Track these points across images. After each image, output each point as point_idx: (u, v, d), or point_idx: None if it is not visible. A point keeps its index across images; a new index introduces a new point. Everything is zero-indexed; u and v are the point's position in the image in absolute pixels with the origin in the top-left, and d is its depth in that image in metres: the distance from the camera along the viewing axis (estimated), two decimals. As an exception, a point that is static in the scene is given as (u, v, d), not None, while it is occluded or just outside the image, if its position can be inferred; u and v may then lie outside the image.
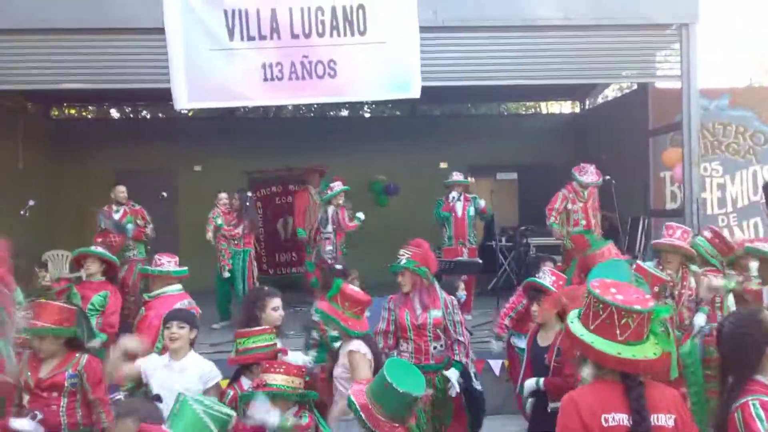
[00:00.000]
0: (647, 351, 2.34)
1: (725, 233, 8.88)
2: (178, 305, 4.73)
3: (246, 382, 3.78)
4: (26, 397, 3.93)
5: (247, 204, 8.69)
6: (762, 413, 2.33)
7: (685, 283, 5.09)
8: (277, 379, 3.40)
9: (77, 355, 3.98)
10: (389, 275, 8.32)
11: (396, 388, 2.79)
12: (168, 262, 5.00)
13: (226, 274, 8.40)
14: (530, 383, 4.12)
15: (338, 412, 3.74)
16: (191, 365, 3.92)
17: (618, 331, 2.33)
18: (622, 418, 2.32)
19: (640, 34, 7.70)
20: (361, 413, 2.78)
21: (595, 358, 2.38)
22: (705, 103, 8.52)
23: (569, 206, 8.04)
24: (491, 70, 7.77)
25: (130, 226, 8.10)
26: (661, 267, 5.10)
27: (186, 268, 5.17)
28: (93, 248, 5.74)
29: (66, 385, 3.88)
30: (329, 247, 8.57)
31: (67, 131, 12.44)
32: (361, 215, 8.70)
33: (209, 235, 8.46)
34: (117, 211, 8.25)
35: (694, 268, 5.22)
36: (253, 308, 4.27)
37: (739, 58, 28.80)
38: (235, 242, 8.50)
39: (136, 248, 8.28)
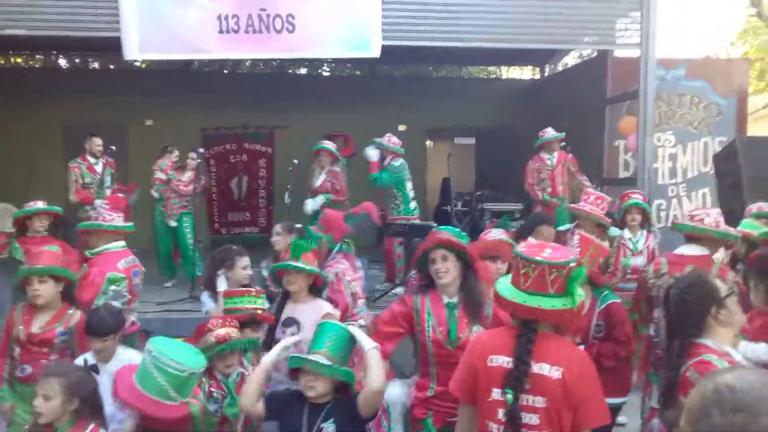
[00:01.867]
0: (546, 303, 2.41)
1: (674, 203, 9.15)
2: (122, 261, 4.62)
3: None
4: (17, 350, 3.91)
5: (200, 161, 8.51)
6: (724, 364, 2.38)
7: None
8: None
9: (70, 311, 3.97)
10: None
11: (169, 363, 2.82)
12: (112, 218, 4.84)
13: (173, 223, 8.22)
14: None
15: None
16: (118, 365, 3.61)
17: (521, 280, 2.47)
18: (505, 361, 2.45)
19: (601, 1, 7.69)
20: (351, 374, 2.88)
21: (496, 300, 2.59)
22: (662, 72, 8.59)
23: (538, 176, 8.12)
24: (453, 32, 7.66)
25: (109, 179, 7.93)
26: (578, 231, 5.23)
27: (131, 224, 5.01)
28: (30, 206, 5.51)
29: (55, 341, 3.87)
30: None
31: (13, 81, 11.91)
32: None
33: (154, 188, 8.27)
34: (96, 164, 7.97)
35: (613, 231, 5.39)
36: (221, 267, 4.22)
37: (697, 30, 29.21)
38: (186, 202, 8.32)
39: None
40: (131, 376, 2.89)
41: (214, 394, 3.45)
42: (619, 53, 9.10)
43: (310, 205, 7.83)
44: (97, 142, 8.04)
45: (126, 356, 3.70)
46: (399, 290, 7.31)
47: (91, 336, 3.65)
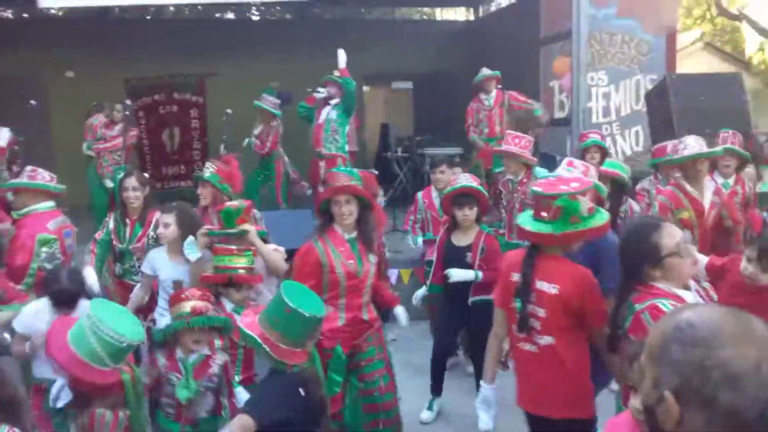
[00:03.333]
0: (536, 227, 2.91)
1: (608, 141, 9.33)
2: (51, 222, 4.40)
3: (228, 305, 3.61)
4: None
5: (127, 114, 8.19)
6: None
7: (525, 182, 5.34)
8: None
9: None
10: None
11: (301, 312, 2.68)
12: (43, 177, 4.60)
13: (110, 184, 7.92)
14: (467, 274, 4.38)
15: None
16: None
17: (534, 210, 3.00)
18: (517, 276, 2.97)
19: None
20: (263, 345, 2.65)
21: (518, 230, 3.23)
22: (593, 11, 8.61)
23: (479, 117, 8.09)
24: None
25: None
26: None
27: (64, 186, 4.78)
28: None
29: None
30: None
31: None
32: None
33: (84, 146, 7.96)
34: None
35: (538, 172, 5.43)
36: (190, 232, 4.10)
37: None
38: (117, 156, 8.02)
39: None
40: (65, 333, 2.76)
41: (170, 377, 3.18)
42: (551, -8, 9.07)
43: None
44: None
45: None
46: None
47: (57, 308, 3.42)
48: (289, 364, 2.65)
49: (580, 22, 7.78)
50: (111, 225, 4.61)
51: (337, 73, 7.71)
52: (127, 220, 4.59)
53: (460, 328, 4.78)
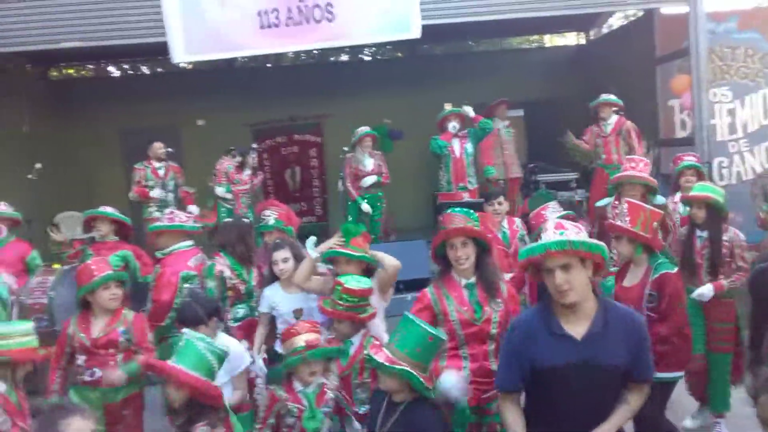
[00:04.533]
0: None
1: (735, 159, 8.87)
2: (192, 260, 4.79)
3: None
4: (82, 357, 4.06)
5: (254, 157, 8.76)
6: None
7: None
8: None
9: (124, 311, 4.14)
10: (397, 219, 8.29)
11: (440, 337, 2.92)
12: (180, 218, 5.03)
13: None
14: None
15: None
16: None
17: None
18: None
19: (644, -42, 7.48)
20: (417, 377, 2.81)
21: None
22: (712, 26, 8.30)
23: (596, 140, 8.02)
24: (492, 4, 7.59)
25: (171, 183, 8.33)
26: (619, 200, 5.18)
27: (200, 224, 5.22)
28: (101, 209, 5.75)
29: (120, 341, 4.04)
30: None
31: (68, 92, 12.32)
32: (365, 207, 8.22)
33: (220, 189, 8.46)
34: (160, 168, 8.26)
35: (657, 200, 5.28)
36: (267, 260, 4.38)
37: (747, -22, 27.95)
38: (249, 199, 8.57)
39: (172, 206, 8.16)
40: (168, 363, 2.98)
41: (290, 408, 3.26)
42: (665, 10, 8.83)
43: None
44: (158, 147, 8.31)
45: (220, 339, 3.83)
46: None
47: (182, 325, 3.77)
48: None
49: (698, 39, 7.53)
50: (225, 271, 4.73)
51: (470, 112, 8.13)
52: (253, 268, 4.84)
53: None
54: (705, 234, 4.54)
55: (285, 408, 3.27)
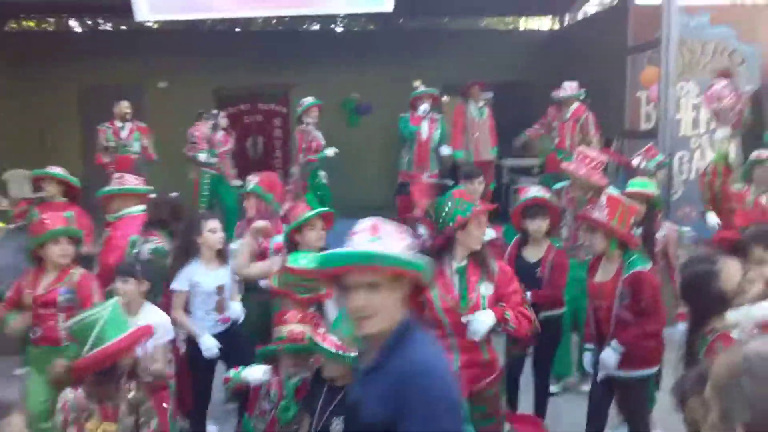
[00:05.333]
0: None
1: (696, 155, 8.96)
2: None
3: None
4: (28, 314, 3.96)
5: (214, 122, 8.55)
6: None
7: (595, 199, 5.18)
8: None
9: (72, 270, 4.00)
10: (361, 195, 8.28)
11: None
12: (130, 181, 4.87)
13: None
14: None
15: None
16: (145, 321, 3.65)
17: None
18: None
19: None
20: None
21: None
22: (685, 19, 8.30)
23: (552, 123, 8.06)
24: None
25: (136, 144, 8.03)
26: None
27: (151, 187, 5.05)
28: (49, 169, 5.54)
29: (59, 300, 3.91)
30: (293, 169, 8.38)
31: (26, 44, 11.85)
32: (330, 151, 8.10)
33: (203, 155, 8.23)
34: (122, 128, 7.99)
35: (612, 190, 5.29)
36: (190, 234, 4.18)
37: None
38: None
39: (140, 168, 8.00)
40: None
41: (271, 394, 3.20)
42: (641, 0, 8.82)
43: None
44: (125, 105, 8.07)
45: (153, 315, 3.75)
46: None
47: (117, 276, 3.74)
48: None
49: (670, 31, 7.52)
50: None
51: (420, 85, 8.13)
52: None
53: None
54: (639, 231, 4.36)
55: (265, 391, 3.22)
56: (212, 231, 4.14)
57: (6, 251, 5.25)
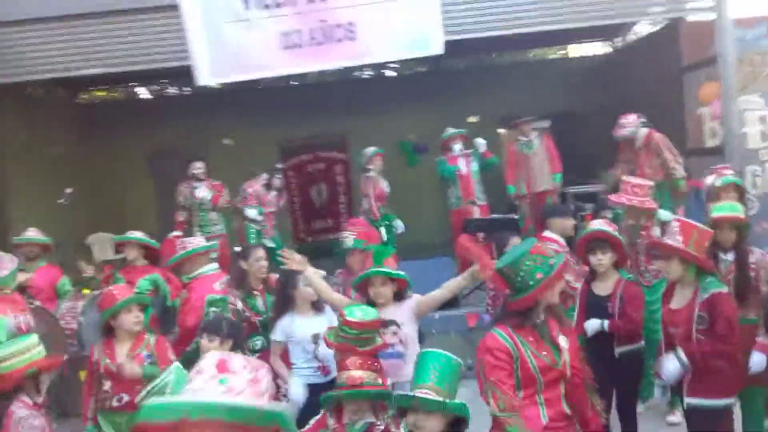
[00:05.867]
0: None
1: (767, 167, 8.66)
2: (218, 283, 4.82)
3: None
4: (108, 383, 4.09)
5: (279, 177, 8.84)
6: None
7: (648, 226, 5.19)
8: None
9: (146, 336, 4.16)
10: (420, 236, 8.31)
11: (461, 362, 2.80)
12: (192, 243, 5.09)
13: (272, 243, 8.42)
14: (594, 324, 4.20)
15: None
16: None
17: None
18: None
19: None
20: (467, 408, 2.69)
21: None
22: (740, 33, 8.14)
23: (629, 156, 7.75)
24: (515, 18, 7.56)
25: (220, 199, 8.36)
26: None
27: (215, 242, 5.27)
28: (129, 234, 5.82)
29: (145, 365, 4.05)
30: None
31: (96, 114, 12.54)
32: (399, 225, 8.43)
33: (252, 211, 8.47)
34: (197, 188, 8.30)
35: (662, 215, 5.29)
36: (286, 287, 4.37)
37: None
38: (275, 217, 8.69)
39: (220, 223, 8.37)
40: None
41: None
42: (692, 18, 8.69)
43: None
44: (197, 166, 8.34)
45: None
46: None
47: (203, 332, 3.88)
48: None
49: (726, 47, 7.41)
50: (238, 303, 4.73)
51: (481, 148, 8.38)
52: (255, 292, 4.84)
53: (611, 384, 4.23)
54: (730, 257, 4.20)
55: None
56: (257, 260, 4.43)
57: (93, 315, 5.49)
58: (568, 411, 3.15)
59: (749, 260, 4.19)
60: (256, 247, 4.82)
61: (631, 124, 7.64)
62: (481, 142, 8.32)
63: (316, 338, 4.23)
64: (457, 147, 8.23)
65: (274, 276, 4.75)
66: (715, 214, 4.27)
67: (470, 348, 6.61)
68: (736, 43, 7.61)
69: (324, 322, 4.27)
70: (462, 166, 8.19)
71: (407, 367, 3.81)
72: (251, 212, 8.49)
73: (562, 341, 3.11)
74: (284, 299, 4.37)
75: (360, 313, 3.40)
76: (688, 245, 3.62)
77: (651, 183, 5.44)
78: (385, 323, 3.93)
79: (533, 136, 8.89)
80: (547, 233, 5.26)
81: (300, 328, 4.30)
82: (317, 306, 4.36)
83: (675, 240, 3.67)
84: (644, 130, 7.67)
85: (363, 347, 3.31)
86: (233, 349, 3.97)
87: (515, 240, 5.66)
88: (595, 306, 4.26)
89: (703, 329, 3.60)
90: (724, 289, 3.69)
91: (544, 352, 3.05)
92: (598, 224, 4.54)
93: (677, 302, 3.76)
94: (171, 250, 5.39)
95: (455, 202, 8.28)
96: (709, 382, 3.56)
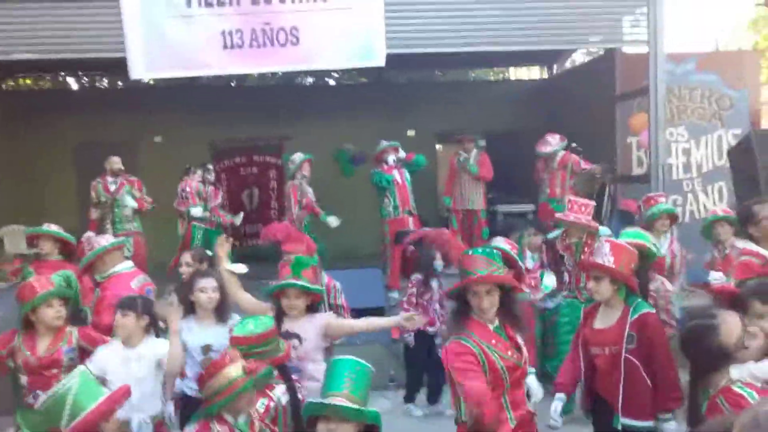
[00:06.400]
0: None
1: (689, 198, 9.04)
2: (134, 281, 4.64)
3: None
4: (24, 378, 3.92)
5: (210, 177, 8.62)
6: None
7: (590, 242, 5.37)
8: None
9: (68, 329, 3.99)
10: (351, 245, 8.23)
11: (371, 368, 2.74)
12: (99, 242, 4.87)
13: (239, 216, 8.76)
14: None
15: None
16: (147, 351, 3.80)
17: None
18: None
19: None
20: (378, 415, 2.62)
21: None
22: (671, 67, 8.50)
23: (542, 175, 8.41)
24: (458, 37, 7.63)
25: (128, 198, 8.01)
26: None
27: (122, 238, 5.10)
28: (45, 227, 5.54)
29: (63, 360, 3.90)
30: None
31: (22, 103, 11.99)
32: (333, 220, 8.43)
33: (197, 210, 8.24)
34: (113, 183, 8.02)
35: (603, 231, 5.51)
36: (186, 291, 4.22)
37: (706, 22, 28.97)
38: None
39: (135, 221, 8.14)
40: None
41: None
42: (627, 49, 9.02)
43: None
44: (115, 161, 8.12)
45: (155, 343, 3.82)
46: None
47: (117, 310, 3.80)
48: None
49: (657, 79, 7.69)
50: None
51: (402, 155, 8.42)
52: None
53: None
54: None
55: None
56: (202, 290, 4.12)
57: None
58: (533, 410, 3.25)
59: (649, 287, 4.28)
60: (202, 277, 4.24)
61: (555, 143, 8.11)
62: (401, 154, 8.39)
63: (206, 349, 4.03)
64: (391, 158, 8.29)
65: None
66: (621, 239, 4.41)
67: (393, 359, 6.61)
68: (667, 76, 7.91)
69: (225, 333, 3.89)
70: (397, 176, 8.26)
71: (304, 382, 3.72)
72: (196, 211, 8.28)
73: (520, 339, 3.18)
74: (186, 303, 4.19)
75: (251, 326, 3.27)
76: (619, 265, 3.64)
77: (593, 203, 5.68)
78: (288, 335, 3.80)
79: (472, 154, 9.02)
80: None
81: (193, 335, 4.08)
82: (221, 315, 4.12)
83: (607, 260, 3.68)
84: (562, 152, 8.14)
85: (262, 360, 3.18)
86: (149, 326, 3.90)
87: (436, 254, 5.82)
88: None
89: (632, 348, 3.60)
90: (652, 310, 3.75)
91: (509, 352, 3.13)
92: (499, 241, 4.68)
93: (602, 322, 3.76)
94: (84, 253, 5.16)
95: (392, 212, 8.29)
96: (640, 403, 3.59)
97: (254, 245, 11.14)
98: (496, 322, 3.19)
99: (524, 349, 3.20)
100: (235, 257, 5.13)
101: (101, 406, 2.82)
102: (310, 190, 8.37)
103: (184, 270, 4.88)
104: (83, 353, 3.95)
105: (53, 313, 3.90)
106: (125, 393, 3.00)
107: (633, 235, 4.50)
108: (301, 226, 8.14)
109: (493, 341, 3.11)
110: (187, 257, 4.93)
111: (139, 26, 7.13)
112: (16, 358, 3.92)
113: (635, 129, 8.70)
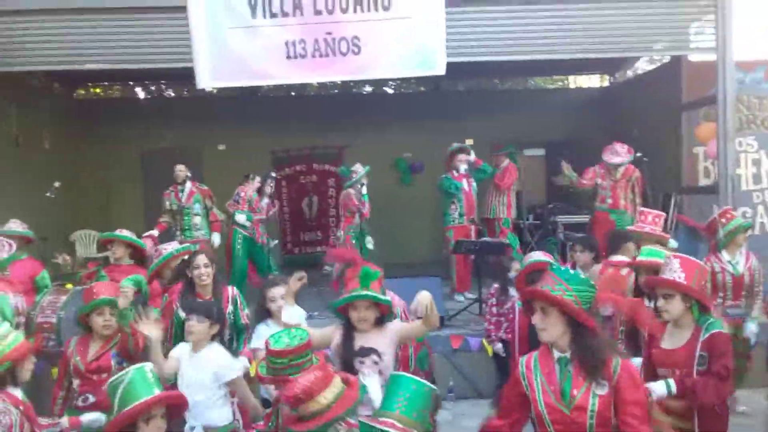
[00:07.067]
0: None
1: (759, 210, 8.72)
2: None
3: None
4: (76, 381, 4.02)
5: (272, 186, 8.79)
6: None
7: None
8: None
9: (119, 336, 4.07)
10: (410, 254, 8.16)
11: (436, 390, 2.70)
12: (166, 249, 5.03)
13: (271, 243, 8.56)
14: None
15: None
16: (207, 359, 3.84)
17: None
18: None
19: (673, 5, 7.45)
20: None
21: None
22: (740, 75, 8.23)
23: (599, 182, 8.12)
24: (518, 45, 7.56)
25: (197, 206, 8.21)
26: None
27: (188, 244, 5.25)
28: (117, 232, 5.72)
29: (112, 365, 3.97)
30: (339, 232, 8.55)
31: (92, 111, 12.45)
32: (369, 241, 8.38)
33: (241, 216, 8.39)
34: (182, 191, 8.20)
35: (671, 244, 5.39)
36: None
37: (775, 28, 27.88)
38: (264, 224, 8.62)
39: (203, 228, 8.26)
40: None
41: None
42: (693, 57, 8.78)
43: None
44: (180, 169, 8.26)
45: (216, 352, 3.85)
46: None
47: (192, 314, 3.82)
48: None
49: (725, 87, 7.46)
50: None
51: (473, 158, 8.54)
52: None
53: None
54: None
55: None
56: (272, 300, 4.24)
57: (73, 310, 5.38)
58: None
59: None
60: (197, 254, 4.59)
61: (624, 153, 7.88)
62: (471, 158, 8.48)
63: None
64: (463, 167, 8.37)
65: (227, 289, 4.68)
66: (639, 258, 4.29)
67: (453, 370, 6.57)
68: (735, 85, 7.67)
69: None
70: (465, 184, 8.34)
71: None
72: (240, 217, 8.42)
73: (596, 388, 2.66)
74: (261, 310, 4.36)
75: (287, 339, 3.01)
76: (691, 281, 3.42)
77: (664, 214, 5.60)
78: (365, 351, 3.55)
79: (502, 166, 9.02)
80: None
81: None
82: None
83: (677, 276, 3.45)
84: (627, 164, 7.93)
85: (297, 374, 2.87)
86: (218, 334, 3.95)
87: (513, 264, 5.56)
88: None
89: (703, 371, 3.41)
90: (724, 330, 3.52)
91: (552, 387, 2.71)
92: (537, 255, 4.53)
93: (671, 342, 3.53)
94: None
95: (457, 218, 8.36)
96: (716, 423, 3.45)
97: (314, 252, 11.30)
98: (566, 353, 2.76)
99: (587, 398, 2.68)
100: (295, 264, 5.22)
101: (139, 405, 2.84)
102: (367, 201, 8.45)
103: (202, 272, 4.65)
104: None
105: (102, 321, 4.00)
106: (168, 397, 3.00)
107: (649, 253, 4.26)
108: (358, 232, 8.24)
109: (546, 370, 2.79)
110: (203, 259, 4.64)
111: (205, 37, 7.31)
112: (67, 363, 4.05)
113: (702, 139, 8.45)
